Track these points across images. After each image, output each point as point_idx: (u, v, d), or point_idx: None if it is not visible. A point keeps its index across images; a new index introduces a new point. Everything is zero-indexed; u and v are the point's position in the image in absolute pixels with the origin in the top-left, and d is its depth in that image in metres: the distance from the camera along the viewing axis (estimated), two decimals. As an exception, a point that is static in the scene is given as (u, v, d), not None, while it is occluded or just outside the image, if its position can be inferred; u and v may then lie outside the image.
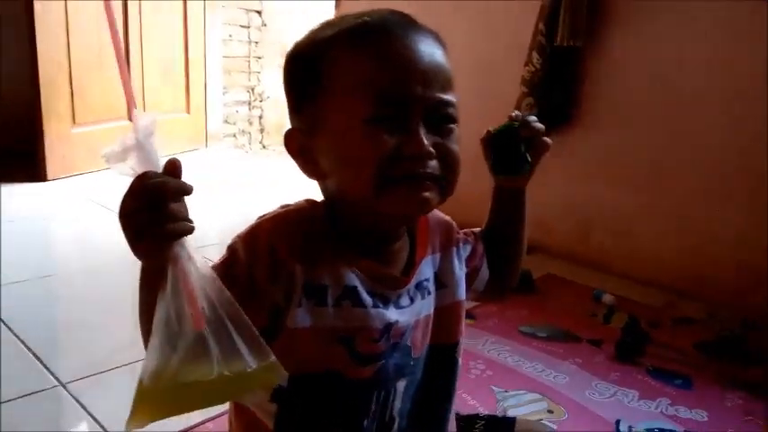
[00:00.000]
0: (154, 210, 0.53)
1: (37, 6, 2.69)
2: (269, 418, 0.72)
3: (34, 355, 1.48)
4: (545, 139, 0.82)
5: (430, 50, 0.67)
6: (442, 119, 0.68)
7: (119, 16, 3.04)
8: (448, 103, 0.68)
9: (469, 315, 1.81)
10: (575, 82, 2.14)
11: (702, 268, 1.99)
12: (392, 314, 0.73)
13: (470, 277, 0.86)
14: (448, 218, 0.84)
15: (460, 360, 0.84)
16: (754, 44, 1.81)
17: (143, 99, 3.22)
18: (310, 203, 0.73)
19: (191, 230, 0.55)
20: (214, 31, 3.61)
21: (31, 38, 2.72)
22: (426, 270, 0.78)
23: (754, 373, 1.56)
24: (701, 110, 1.93)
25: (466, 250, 0.85)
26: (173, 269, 0.53)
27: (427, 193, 0.66)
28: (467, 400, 1.39)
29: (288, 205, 0.74)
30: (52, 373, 1.41)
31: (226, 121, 3.88)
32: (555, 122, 2.14)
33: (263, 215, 0.72)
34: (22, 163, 2.93)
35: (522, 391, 1.45)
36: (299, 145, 0.71)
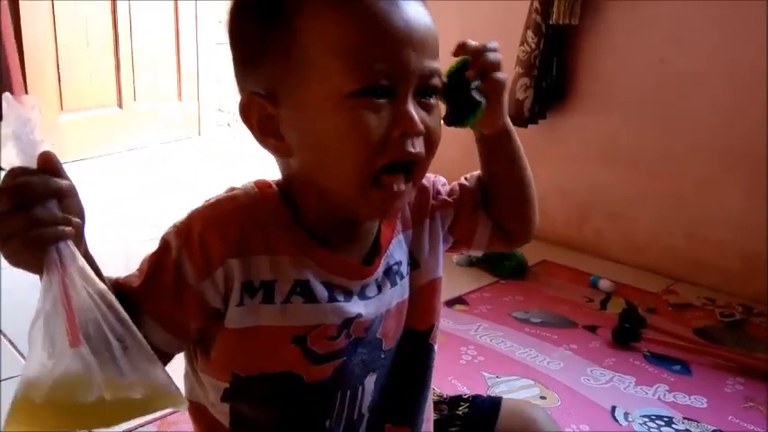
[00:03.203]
0: (18, 214, 0.47)
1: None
2: (224, 417, 0.66)
3: (9, 341, 1.43)
4: (496, 75, 0.69)
5: (419, 9, 0.59)
6: (428, 91, 0.60)
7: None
8: (437, 73, 0.61)
9: (462, 301, 1.76)
10: (571, 62, 2.08)
11: (701, 253, 1.93)
12: (355, 307, 0.65)
13: (461, 242, 0.79)
14: (424, 180, 0.73)
15: (436, 346, 0.75)
16: (755, 26, 1.74)
17: (133, 87, 3.17)
18: (261, 185, 0.65)
19: (65, 236, 0.48)
20: (207, 16, 3.54)
21: (16, 24, 2.66)
22: (397, 252, 0.69)
23: (755, 358, 1.51)
24: (700, 92, 1.87)
25: (447, 218, 0.75)
26: (49, 277, 0.48)
27: (399, 202, 0.61)
28: (456, 386, 1.34)
29: (234, 188, 0.65)
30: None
31: (219, 110, 3.82)
32: (551, 103, 2.09)
33: (208, 199, 0.64)
34: (9, 151, 2.87)
35: (513, 377, 1.40)
36: (259, 114, 0.60)
